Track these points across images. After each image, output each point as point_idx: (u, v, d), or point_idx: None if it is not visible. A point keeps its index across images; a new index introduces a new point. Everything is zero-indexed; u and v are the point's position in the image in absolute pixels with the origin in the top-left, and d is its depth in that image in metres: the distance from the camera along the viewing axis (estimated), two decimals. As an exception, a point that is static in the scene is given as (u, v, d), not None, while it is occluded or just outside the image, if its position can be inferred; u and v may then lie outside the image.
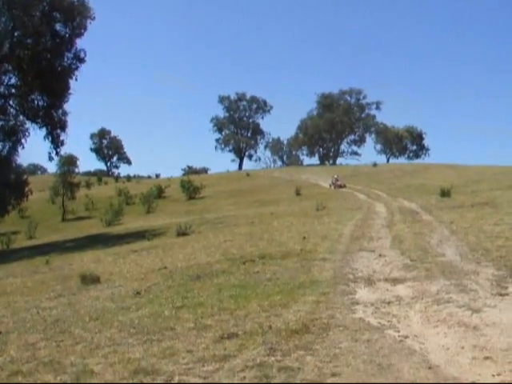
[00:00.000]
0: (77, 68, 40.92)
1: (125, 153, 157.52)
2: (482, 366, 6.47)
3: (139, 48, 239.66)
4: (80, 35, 40.90)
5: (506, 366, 6.38)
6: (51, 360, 7.74)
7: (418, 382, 6.00)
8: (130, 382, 6.46)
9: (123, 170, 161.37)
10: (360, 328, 8.01)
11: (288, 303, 9.65)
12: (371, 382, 5.87)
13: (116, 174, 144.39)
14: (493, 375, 6.16)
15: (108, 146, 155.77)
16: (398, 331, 7.89)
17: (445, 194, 34.46)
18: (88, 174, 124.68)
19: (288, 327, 8.16)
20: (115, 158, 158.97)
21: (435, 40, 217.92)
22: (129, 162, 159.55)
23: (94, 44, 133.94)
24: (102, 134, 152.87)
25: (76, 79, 40.92)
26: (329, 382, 6.09)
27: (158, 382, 6.42)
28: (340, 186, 56.63)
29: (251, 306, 9.75)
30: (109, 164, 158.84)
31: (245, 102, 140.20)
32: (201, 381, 6.36)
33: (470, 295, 9.54)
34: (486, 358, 6.69)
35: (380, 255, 14.18)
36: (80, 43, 41.48)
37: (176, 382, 6.39)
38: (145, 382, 6.44)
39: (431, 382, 6.00)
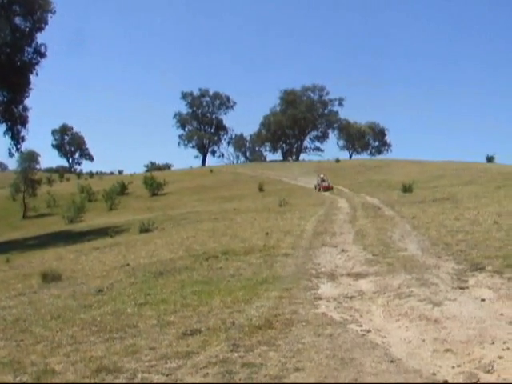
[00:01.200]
0: (37, 63, 40.42)
1: (87, 149, 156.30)
2: (443, 358, 6.55)
3: (102, 43, 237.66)
4: (40, 29, 40.34)
5: (466, 358, 6.47)
6: (11, 360, 7.59)
7: (380, 375, 6.04)
8: (93, 381, 6.38)
9: (85, 166, 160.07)
10: (323, 323, 8.03)
11: (251, 299, 9.65)
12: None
13: (78, 170, 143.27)
14: (453, 367, 6.23)
15: (70, 143, 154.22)
16: (361, 325, 7.94)
17: (407, 189, 34.86)
18: (50, 170, 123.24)
19: (251, 323, 8.15)
20: (77, 155, 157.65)
21: (396, 36, 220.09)
22: (91, 159, 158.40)
23: (54, 38, 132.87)
24: (64, 130, 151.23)
25: (37, 74, 40.49)
26: (292, 377, 6.10)
27: (121, 379, 6.35)
28: (327, 188, 48.66)
29: (214, 302, 9.71)
30: (71, 160, 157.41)
31: (208, 98, 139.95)
32: (164, 378, 6.31)
33: (431, 289, 9.63)
34: (447, 350, 6.77)
35: (342, 250, 14.26)
36: (41, 37, 40.84)
37: (139, 379, 6.33)
38: (107, 380, 6.37)
39: (393, 374, 6.04)
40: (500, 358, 6.41)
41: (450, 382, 5.87)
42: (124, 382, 6.27)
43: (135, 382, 6.27)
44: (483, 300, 8.84)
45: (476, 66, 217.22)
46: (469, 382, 5.84)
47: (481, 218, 17.76)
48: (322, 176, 52.44)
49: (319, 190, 48.70)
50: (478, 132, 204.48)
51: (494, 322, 7.75)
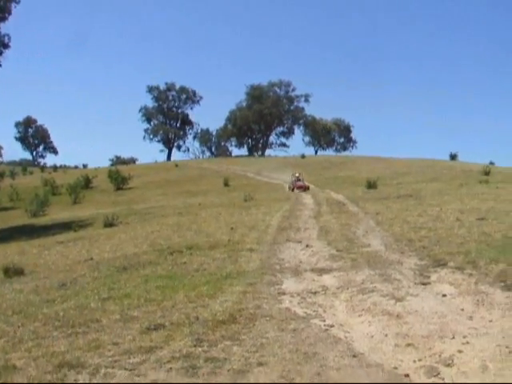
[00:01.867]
0: (1, 53, 39.63)
1: (51, 142, 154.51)
2: (404, 352, 6.63)
3: (67, 36, 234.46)
4: (4, 19, 39.54)
5: (427, 352, 6.57)
6: (-29, 356, 7.49)
7: (342, 369, 6.09)
8: (55, 376, 6.31)
9: (49, 159, 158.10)
10: (286, 318, 8.07)
11: (215, 294, 9.64)
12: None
13: (42, 163, 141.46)
14: (414, 361, 6.32)
15: (34, 135, 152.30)
16: (324, 320, 7.99)
17: (371, 185, 35.17)
18: (13, 163, 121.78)
19: (215, 318, 8.14)
20: (41, 148, 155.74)
21: (362, 33, 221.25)
22: (55, 152, 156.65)
23: (18, 29, 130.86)
24: (28, 122, 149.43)
25: (0, 65, 39.71)
26: (255, 371, 6.12)
27: (83, 375, 6.29)
28: (301, 188, 41.87)
29: (178, 296, 9.69)
30: (34, 153, 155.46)
31: (174, 92, 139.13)
32: (127, 373, 6.27)
33: (393, 284, 9.74)
34: (408, 344, 6.86)
35: (307, 246, 14.32)
36: (4, 28, 40.04)
37: (102, 374, 6.28)
38: (69, 375, 6.31)
39: (355, 369, 6.10)
40: (460, 351, 6.52)
41: (411, 375, 5.95)
42: (87, 377, 6.22)
43: (97, 377, 6.23)
44: (444, 295, 8.97)
45: (440, 63, 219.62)
46: (430, 375, 5.92)
47: (443, 215, 17.98)
48: (297, 175, 45.90)
49: (293, 189, 41.89)
50: (442, 130, 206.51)
51: (455, 316, 7.88)
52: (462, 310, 8.19)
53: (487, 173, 40.37)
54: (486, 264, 10.48)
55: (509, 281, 9.25)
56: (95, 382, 6.08)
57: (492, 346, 6.63)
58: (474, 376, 5.87)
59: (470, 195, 25.37)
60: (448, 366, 6.18)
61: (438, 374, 5.97)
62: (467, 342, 6.80)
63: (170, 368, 6.31)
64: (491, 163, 56.99)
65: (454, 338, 7.01)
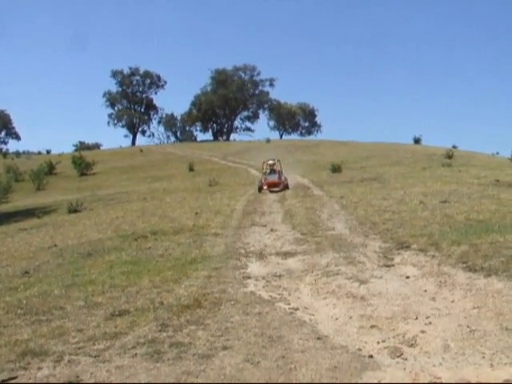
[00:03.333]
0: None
1: (13, 128, 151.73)
2: (369, 334, 6.70)
3: (31, 20, 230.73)
4: None
5: (390, 333, 6.65)
6: None
7: (307, 351, 6.13)
8: (18, 365, 6.24)
9: (12, 145, 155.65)
10: (251, 301, 8.10)
11: (180, 279, 9.64)
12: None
13: (4, 150, 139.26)
14: (378, 342, 6.39)
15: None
16: (289, 304, 8.04)
17: (336, 169, 35.29)
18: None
19: (179, 303, 8.16)
20: (3, 134, 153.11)
21: (324, 17, 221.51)
22: (18, 138, 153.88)
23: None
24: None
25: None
26: (220, 355, 6.13)
27: (47, 362, 6.24)
28: (278, 187, 26.02)
29: (143, 282, 9.67)
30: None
31: (138, 77, 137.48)
32: (91, 360, 6.24)
33: (358, 267, 9.83)
34: (372, 326, 6.93)
35: (272, 230, 14.37)
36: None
37: (66, 361, 6.24)
38: (33, 363, 6.25)
39: (320, 351, 6.14)
40: (423, 332, 6.61)
41: (375, 356, 6.01)
42: (51, 364, 6.17)
43: (61, 364, 6.18)
44: (408, 277, 9.07)
45: (402, 48, 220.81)
46: (393, 356, 5.99)
47: (407, 198, 18.15)
48: (270, 162, 29.22)
49: (260, 189, 26.07)
50: (406, 113, 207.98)
51: (418, 298, 7.98)
52: (425, 291, 8.29)
53: (450, 156, 40.80)
54: (448, 246, 10.61)
55: (470, 262, 9.38)
56: (59, 369, 6.04)
57: (454, 326, 6.73)
58: (436, 355, 5.94)
59: (433, 178, 25.66)
60: (411, 346, 6.26)
61: (402, 354, 6.05)
62: (430, 323, 6.90)
63: (135, 354, 6.31)
64: (454, 147, 57.44)
65: (417, 318, 7.10)
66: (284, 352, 6.14)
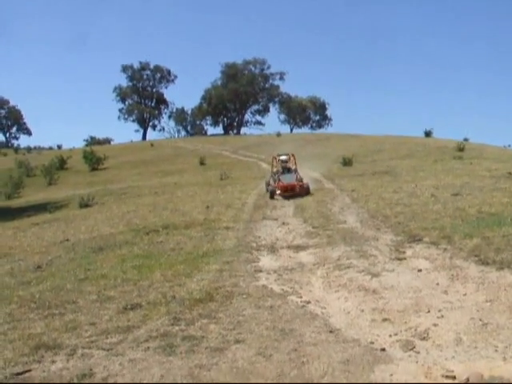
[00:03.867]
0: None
1: (25, 123, 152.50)
2: (380, 327, 6.69)
3: (41, 16, 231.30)
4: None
5: (402, 327, 6.64)
6: None
7: (319, 345, 6.13)
8: (31, 358, 6.28)
9: (23, 141, 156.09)
10: (263, 295, 8.10)
11: (191, 272, 9.65)
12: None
13: (16, 145, 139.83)
14: (390, 335, 6.38)
15: (6, 117, 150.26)
16: (301, 297, 8.03)
17: (346, 162, 35.24)
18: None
19: (191, 296, 8.16)
20: (14, 129, 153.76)
21: (335, 10, 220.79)
22: (29, 133, 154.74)
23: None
24: (0, 103, 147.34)
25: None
26: (233, 348, 6.14)
27: (61, 356, 6.27)
28: (293, 191, 20.90)
29: (155, 276, 9.69)
30: (8, 135, 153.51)
31: (148, 72, 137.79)
32: (104, 353, 6.26)
33: (369, 260, 9.81)
34: (384, 319, 6.93)
35: (283, 223, 14.37)
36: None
37: (79, 354, 6.27)
38: (46, 357, 6.29)
39: (332, 344, 6.14)
40: (435, 325, 6.60)
41: (387, 349, 6.01)
42: (64, 358, 6.20)
43: (75, 357, 6.22)
44: (420, 270, 9.04)
45: (413, 41, 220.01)
46: (405, 349, 5.99)
47: (418, 191, 18.10)
48: (283, 157, 23.79)
49: (272, 195, 20.78)
50: (417, 106, 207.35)
51: (430, 291, 7.95)
52: (437, 284, 8.26)
53: (461, 149, 40.58)
54: (460, 239, 10.57)
55: (483, 255, 9.34)
56: (72, 363, 6.07)
57: (466, 319, 6.72)
58: (448, 349, 5.94)
59: (445, 171, 25.56)
60: (423, 339, 6.25)
61: (414, 347, 6.04)
62: (442, 316, 6.88)
63: (148, 347, 6.33)
64: (465, 140, 57.10)
65: (429, 312, 7.09)
66: (296, 345, 6.14)
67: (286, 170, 22.40)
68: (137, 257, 11.65)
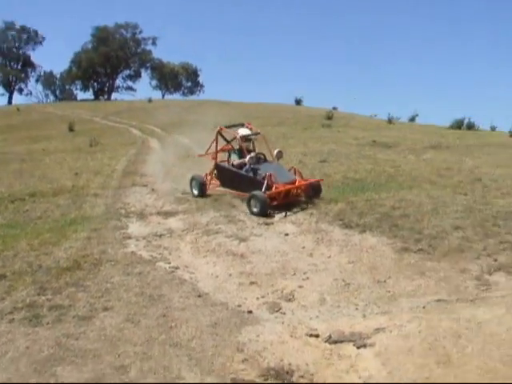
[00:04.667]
0: None
1: None
2: (248, 290, 6.86)
3: None
4: None
5: (269, 289, 6.84)
6: None
7: (187, 309, 6.20)
8: None
9: None
10: (132, 262, 8.08)
11: (59, 241, 9.42)
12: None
13: None
14: (257, 298, 6.57)
15: None
16: (169, 263, 8.07)
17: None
18: None
19: (58, 265, 8.01)
20: None
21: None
22: None
23: None
24: None
25: None
26: (101, 316, 6.09)
27: None
28: (298, 196, 11.67)
29: (20, 245, 9.37)
30: None
31: (14, 32, 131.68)
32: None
33: (238, 225, 9.98)
34: (252, 283, 7.10)
35: (153, 190, 14.26)
36: None
37: None
38: None
39: (200, 308, 6.22)
40: (300, 287, 6.84)
41: (254, 311, 6.16)
42: None
43: None
44: (287, 235, 9.29)
45: (282, 7, 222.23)
46: (272, 311, 6.16)
47: (287, 158, 18.41)
48: (244, 132, 13.37)
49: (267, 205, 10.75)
50: (288, 75, 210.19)
51: (296, 254, 8.22)
52: (303, 247, 8.54)
53: (330, 117, 41.49)
54: (326, 204, 10.92)
55: (347, 219, 9.71)
56: None
57: (330, 281, 7.00)
58: (312, 309, 6.16)
59: (314, 139, 26.15)
60: (289, 301, 6.47)
61: (280, 309, 6.24)
62: (307, 278, 7.14)
63: (13, 319, 6.20)
64: (334, 108, 58.51)
65: (295, 274, 7.33)
66: (165, 310, 6.19)
67: (257, 158, 12.70)
68: (1, 226, 11.21)
